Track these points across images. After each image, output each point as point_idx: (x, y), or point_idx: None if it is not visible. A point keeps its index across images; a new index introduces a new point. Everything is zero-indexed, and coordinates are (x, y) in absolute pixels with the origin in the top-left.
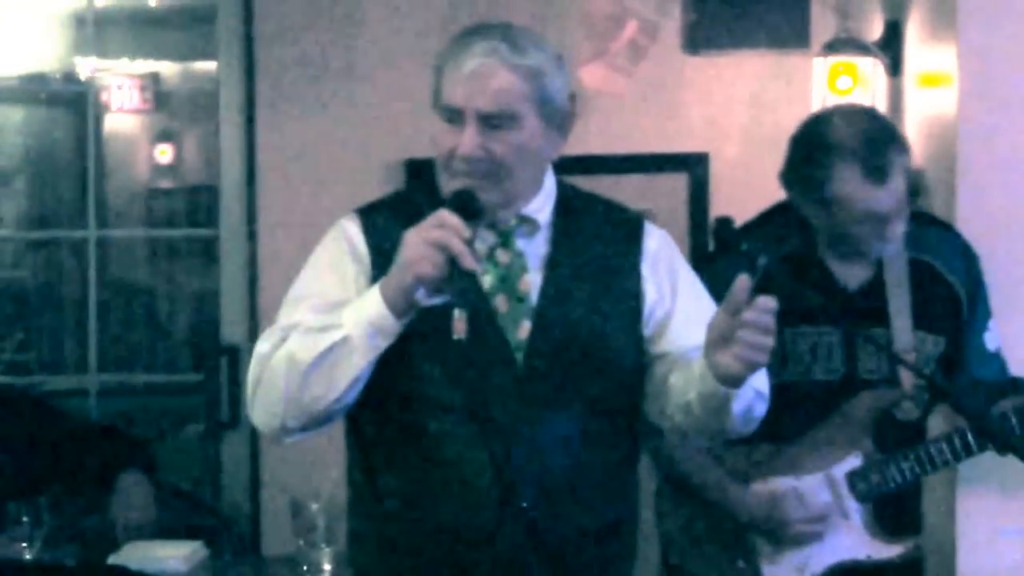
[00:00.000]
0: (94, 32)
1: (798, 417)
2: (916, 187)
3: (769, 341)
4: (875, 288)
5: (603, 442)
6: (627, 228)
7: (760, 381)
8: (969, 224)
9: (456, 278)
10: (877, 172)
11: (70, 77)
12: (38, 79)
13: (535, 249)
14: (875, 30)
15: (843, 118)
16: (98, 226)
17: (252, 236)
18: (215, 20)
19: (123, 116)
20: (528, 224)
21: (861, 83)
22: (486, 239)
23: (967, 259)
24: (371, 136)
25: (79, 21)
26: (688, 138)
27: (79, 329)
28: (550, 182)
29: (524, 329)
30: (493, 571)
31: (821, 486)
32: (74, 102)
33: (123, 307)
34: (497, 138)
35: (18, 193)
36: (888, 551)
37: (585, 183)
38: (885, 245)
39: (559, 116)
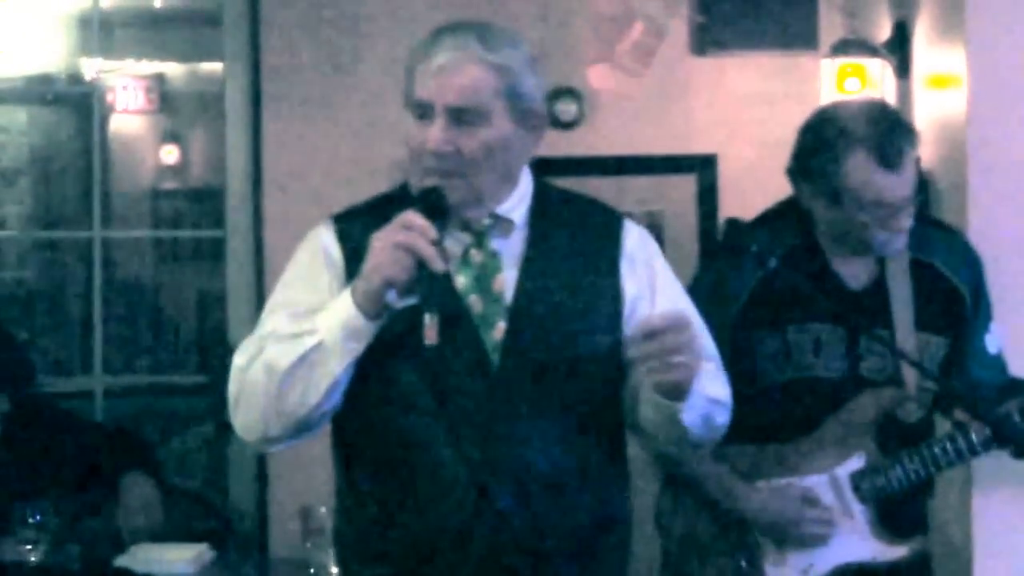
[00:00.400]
0: (99, 33)
1: (801, 416)
2: (923, 184)
3: (682, 362)
4: (878, 288)
5: (583, 442)
6: (606, 226)
7: (715, 389)
8: (979, 227)
9: (425, 280)
10: (891, 159)
11: (75, 78)
12: (43, 80)
13: (510, 249)
14: (883, 31)
15: (854, 108)
16: (103, 227)
17: (258, 237)
18: (221, 21)
19: (128, 117)
20: (503, 223)
21: (869, 84)
22: (461, 239)
23: (970, 260)
24: (377, 137)
25: (84, 22)
26: (696, 139)
27: (84, 330)
28: (526, 181)
29: (499, 329)
30: (472, 573)
31: (825, 487)
32: (79, 103)
33: (128, 308)
34: (466, 134)
35: (23, 194)
36: (894, 552)
37: (593, 185)
38: (891, 238)
39: (531, 116)
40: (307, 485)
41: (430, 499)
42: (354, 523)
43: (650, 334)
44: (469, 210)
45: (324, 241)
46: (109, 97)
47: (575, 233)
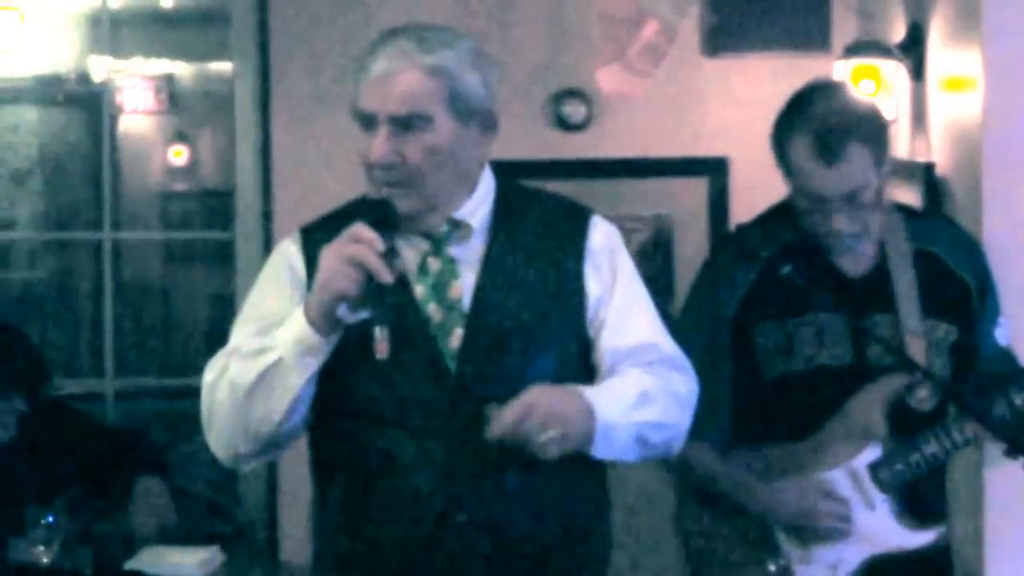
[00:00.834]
0: (108, 33)
1: (811, 407)
2: (931, 184)
3: (544, 442)
4: (879, 275)
5: None
6: (572, 225)
7: (647, 413)
8: (994, 228)
9: (375, 293)
10: (826, 151)
11: (84, 78)
12: (53, 80)
13: (470, 254)
14: (897, 32)
15: (820, 92)
16: (113, 229)
17: (268, 238)
18: (230, 21)
19: (137, 117)
20: (461, 228)
21: (884, 87)
22: (420, 247)
23: (973, 253)
24: None
25: (94, 21)
26: (707, 142)
27: (94, 332)
28: (487, 183)
29: (456, 337)
30: None
31: (844, 480)
32: (89, 103)
33: (138, 310)
34: (409, 141)
35: (33, 194)
36: (920, 538)
37: (602, 187)
38: (833, 236)
39: (477, 115)
40: None
41: (396, 510)
42: (326, 534)
43: (506, 429)
44: (423, 218)
45: (288, 254)
46: (118, 97)
47: (538, 233)
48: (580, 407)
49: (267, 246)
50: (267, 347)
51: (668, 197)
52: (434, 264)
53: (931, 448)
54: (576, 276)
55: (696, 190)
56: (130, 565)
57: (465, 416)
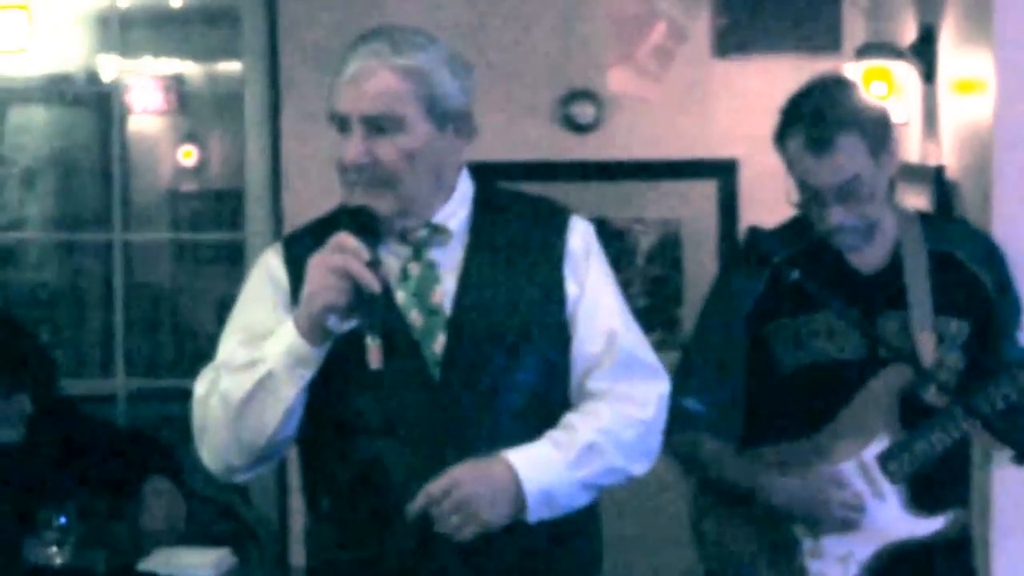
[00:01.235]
0: (118, 32)
1: (822, 401)
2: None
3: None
4: (892, 272)
5: None
6: (550, 226)
7: (589, 468)
8: (1004, 231)
9: (364, 303)
10: (814, 143)
11: (94, 78)
12: (62, 79)
13: (449, 258)
14: (908, 34)
15: (816, 86)
16: (123, 229)
17: (278, 239)
18: (239, 21)
19: (146, 117)
20: (440, 233)
21: (895, 89)
22: (400, 253)
23: (991, 252)
24: None
25: (103, 21)
26: (717, 144)
27: (104, 333)
28: (464, 187)
29: (439, 342)
30: None
31: (854, 473)
32: (98, 103)
33: (148, 311)
34: (383, 143)
35: (42, 194)
36: (928, 526)
37: (611, 189)
38: (828, 228)
39: (452, 118)
40: None
41: (384, 517)
42: (317, 544)
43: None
44: (399, 221)
45: (271, 266)
46: (127, 98)
47: (517, 236)
48: (503, 485)
49: None
50: (258, 360)
51: (677, 198)
52: (415, 269)
53: (937, 436)
54: (556, 277)
55: (705, 192)
56: (142, 566)
57: (450, 421)
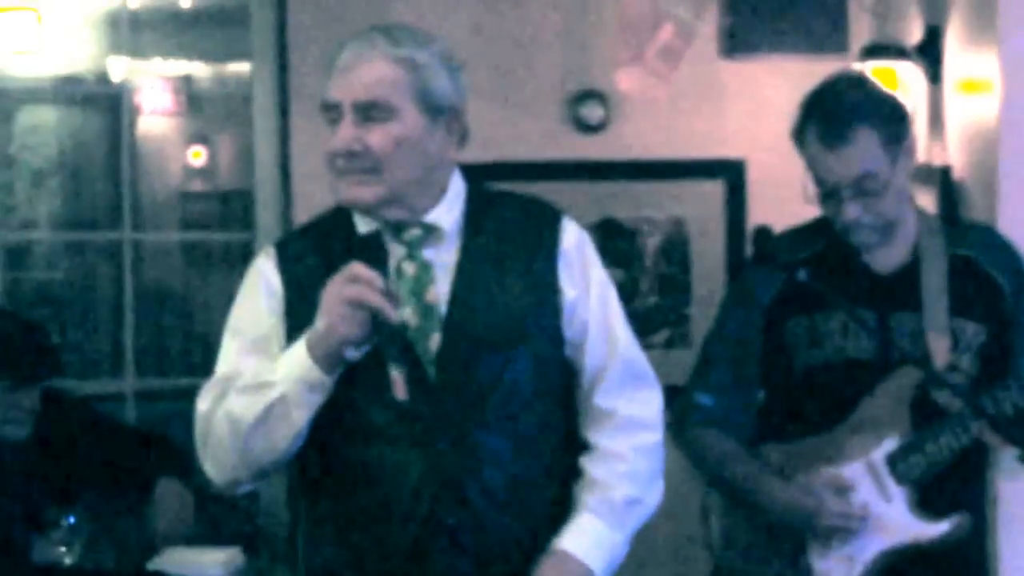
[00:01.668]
0: (127, 33)
1: (835, 399)
2: (948, 188)
3: None
4: (910, 273)
5: (532, 450)
6: (542, 226)
7: (634, 523)
8: (1011, 231)
9: (385, 333)
10: (828, 137)
11: (103, 79)
12: (72, 80)
13: (443, 258)
14: (914, 35)
15: (834, 81)
16: (132, 229)
17: None
18: (248, 21)
19: (156, 118)
20: (433, 232)
21: (900, 89)
22: (394, 252)
23: (1011, 256)
24: None
25: (112, 22)
26: (724, 144)
27: (114, 333)
28: (457, 187)
29: (434, 342)
30: None
31: (862, 473)
32: (107, 104)
33: (158, 310)
34: (374, 130)
35: (52, 195)
36: (934, 530)
37: (619, 189)
38: (844, 225)
39: (444, 112)
40: None
41: (382, 517)
42: (312, 542)
43: None
44: (386, 210)
45: (264, 271)
46: (137, 98)
47: (510, 236)
48: None
49: None
50: (269, 383)
51: (685, 199)
52: (409, 269)
53: (947, 439)
54: (550, 277)
55: (713, 192)
56: (152, 565)
57: (446, 419)
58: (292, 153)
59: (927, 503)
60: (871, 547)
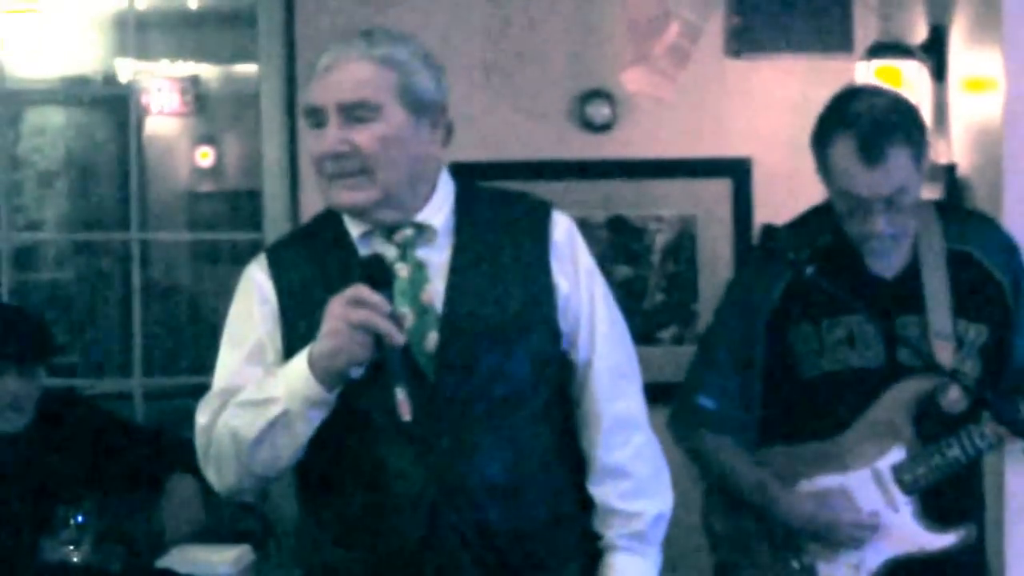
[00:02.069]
0: (135, 34)
1: (841, 408)
2: (952, 185)
3: None
4: (912, 276)
5: (532, 445)
6: (533, 220)
7: (659, 529)
8: (1016, 229)
9: (389, 355)
10: (869, 153)
11: (111, 80)
12: (79, 81)
13: (437, 257)
14: (919, 34)
15: (862, 93)
16: (140, 229)
17: None
18: (256, 22)
19: (163, 119)
20: (426, 231)
21: (905, 87)
22: (387, 254)
23: (1008, 250)
24: None
25: (120, 23)
26: (731, 143)
27: (123, 332)
28: (446, 186)
29: (431, 340)
30: None
31: (868, 482)
32: (115, 105)
33: (166, 310)
34: (360, 130)
35: (60, 195)
36: (941, 540)
37: (626, 188)
38: (865, 234)
39: (428, 109)
40: None
41: (385, 516)
42: (315, 542)
43: None
44: (379, 212)
45: (256, 279)
46: (144, 99)
47: (501, 232)
48: None
49: None
50: (271, 399)
51: (692, 197)
52: (403, 270)
53: (954, 451)
54: (543, 270)
55: (720, 190)
56: (162, 563)
57: (445, 417)
58: (299, 153)
59: (928, 508)
60: (878, 555)
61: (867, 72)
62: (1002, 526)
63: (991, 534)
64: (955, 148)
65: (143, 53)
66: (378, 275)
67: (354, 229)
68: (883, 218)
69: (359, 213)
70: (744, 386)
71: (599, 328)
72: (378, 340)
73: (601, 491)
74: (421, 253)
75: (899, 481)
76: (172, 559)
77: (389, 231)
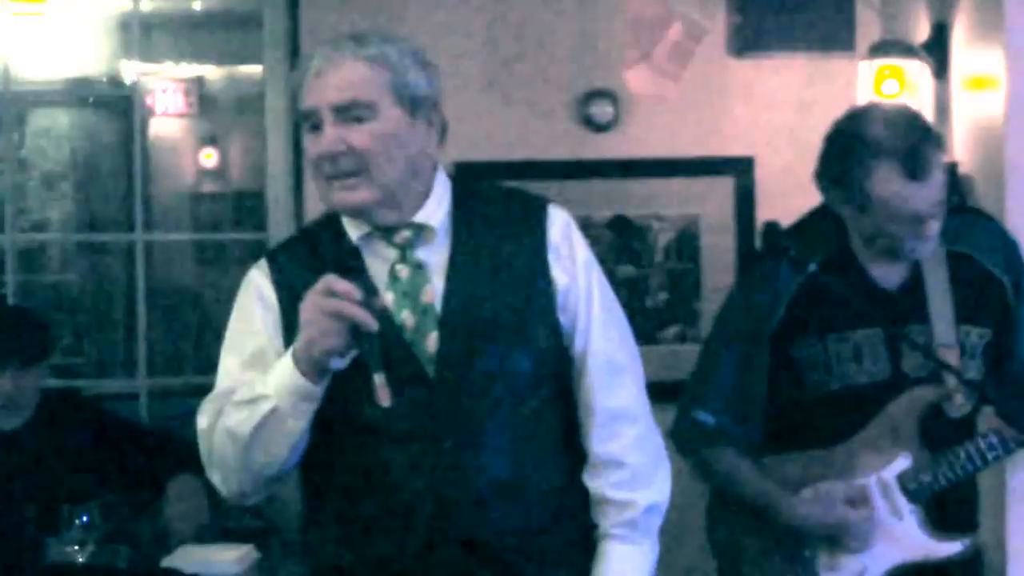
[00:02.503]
0: (139, 36)
1: (846, 421)
2: (955, 184)
3: None
4: (914, 286)
5: (534, 442)
6: (529, 217)
7: (654, 521)
8: (1017, 226)
9: (364, 341)
10: (918, 170)
11: (115, 81)
12: (84, 83)
13: (435, 257)
14: (921, 32)
15: (880, 115)
16: (144, 230)
17: None
18: (260, 24)
19: (167, 120)
20: (424, 231)
21: (907, 86)
22: (387, 256)
23: (1006, 247)
24: None
25: (125, 25)
26: (733, 142)
27: (127, 333)
28: (442, 185)
29: (432, 340)
30: None
31: (873, 489)
32: (119, 106)
33: (170, 310)
34: (356, 130)
35: (65, 196)
36: (946, 549)
37: (629, 187)
38: (921, 244)
39: (423, 105)
40: None
41: (389, 518)
42: (320, 544)
43: None
44: (378, 212)
45: (257, 283)
46: (149, 100)
47: (499, 230)
48: None
49: None
50: (261, 396)
51: (694, 196)
52: (403, 271)
53: (960, 461)
54: (541, 267)
55: (722, 189)
56: (166, 563)
57: (447, 416)
58: (303, 154)
59: (937, 522)
60: (881, 563)
61: (869, 71)
62: (1002, 526)
63: (991, 535)
64: (957, 146)
65: (148, 55)
66: (350, 264)
67: (353, 232)
68: (935, 224)
69: (358, 214)
70: (746, 400)
71: (595, 320)
72: (356, 329)
73: (596, 482)
74: (420, 253)
75: (904, 489)
76: (177, 558)
77: (388, 233)
